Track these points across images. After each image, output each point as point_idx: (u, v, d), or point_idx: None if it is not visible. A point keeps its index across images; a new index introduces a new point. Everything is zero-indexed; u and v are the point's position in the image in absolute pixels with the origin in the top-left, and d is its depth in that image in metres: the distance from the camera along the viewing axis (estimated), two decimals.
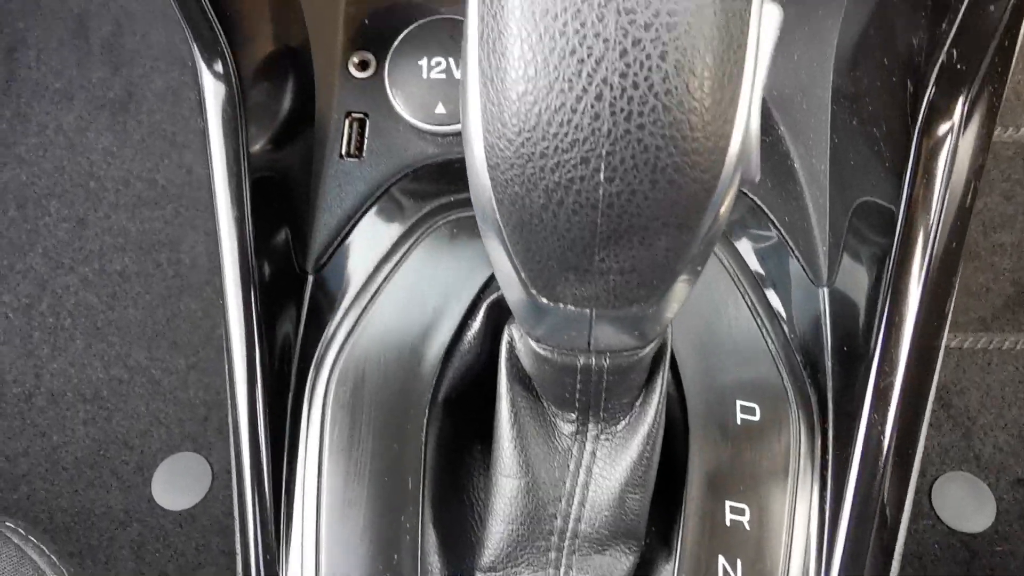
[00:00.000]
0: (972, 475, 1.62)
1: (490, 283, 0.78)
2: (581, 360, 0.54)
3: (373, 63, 0.86)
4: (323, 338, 0.79)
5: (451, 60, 0.83)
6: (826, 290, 0.82)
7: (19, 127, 1.93)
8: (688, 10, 0.36)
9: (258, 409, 0.75)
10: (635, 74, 0.36)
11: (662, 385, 0.63)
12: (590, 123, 0.37)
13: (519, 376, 0.64)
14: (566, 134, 0.37)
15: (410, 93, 0.83)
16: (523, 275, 0.45)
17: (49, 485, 1.68)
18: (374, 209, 0.83)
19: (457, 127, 0.83)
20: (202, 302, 1.80)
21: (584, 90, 0.37)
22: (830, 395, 0.78)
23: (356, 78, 0.86)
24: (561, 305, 0.46)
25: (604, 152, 0.38)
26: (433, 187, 0.83)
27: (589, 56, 0.36)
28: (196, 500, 1.65)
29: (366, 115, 0.85)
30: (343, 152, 0.85)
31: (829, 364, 0.79)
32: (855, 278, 0.79)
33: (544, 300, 0.46)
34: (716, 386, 0.77)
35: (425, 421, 0.76)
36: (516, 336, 0.63)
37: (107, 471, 1.68)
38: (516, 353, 0.63)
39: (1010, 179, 1.80)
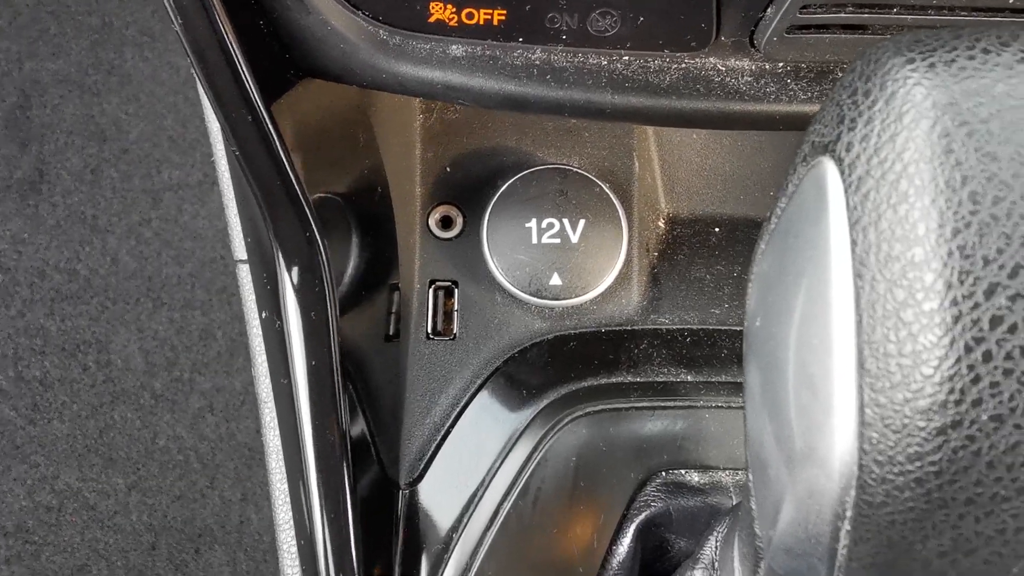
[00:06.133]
0: None
1: (637, 496, 0.65)
2: None
3: (459, 221, 0.72)
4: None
5: (566, 222, 0.70)
6: None
7: None
8: None
9: None
10: None
11: None
12: None
13: None
14: None
15: (517, 261, 0.69)
16: None
17: None
18: (476, 403, 0.69)
19: (574, 301, 0.70)
20: (139, 410, 1.60)
21: None
22: None
23: (439, 238, 0.72)
24: None
25: None
26: (548, 373, 0.70)
27: None
28: None
29: (454, 283, 0.71)
30: (429, 330, 0.71)
31: None
32: None
33: None
34: None
35: None
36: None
37: None
38: None
39: None
